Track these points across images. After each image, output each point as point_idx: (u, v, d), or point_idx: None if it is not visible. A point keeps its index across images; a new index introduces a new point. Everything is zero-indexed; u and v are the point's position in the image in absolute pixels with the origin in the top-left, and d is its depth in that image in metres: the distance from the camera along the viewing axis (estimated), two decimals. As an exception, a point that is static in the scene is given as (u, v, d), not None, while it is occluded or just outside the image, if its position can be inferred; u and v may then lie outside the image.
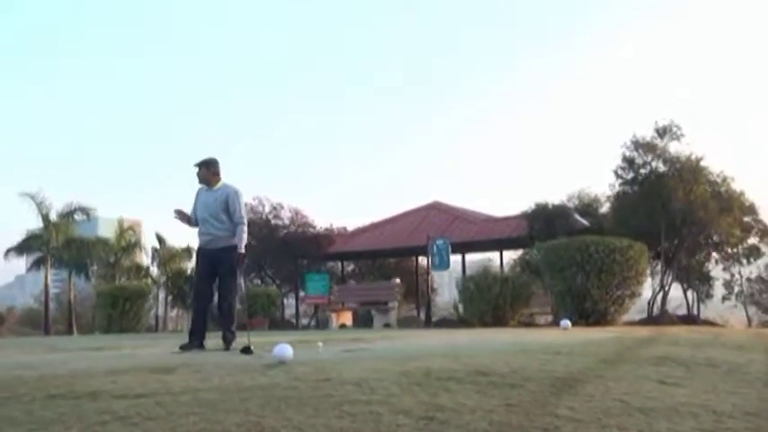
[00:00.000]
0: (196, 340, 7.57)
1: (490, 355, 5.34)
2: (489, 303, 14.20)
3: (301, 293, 22.95)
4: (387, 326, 16.32)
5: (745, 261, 20.07)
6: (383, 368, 4.57)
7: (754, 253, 19.91)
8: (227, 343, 7.51)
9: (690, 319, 18.35)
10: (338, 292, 19.86)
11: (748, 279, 20.68)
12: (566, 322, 10.78)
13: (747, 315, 20.60)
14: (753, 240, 19.73)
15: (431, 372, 4.29)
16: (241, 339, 7.42)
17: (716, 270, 20.43)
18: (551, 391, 3.79)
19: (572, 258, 13.36)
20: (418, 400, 3.52)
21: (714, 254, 19.82)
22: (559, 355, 5.32)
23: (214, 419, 3.17)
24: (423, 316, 19.96)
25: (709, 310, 20.85)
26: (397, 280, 19.29)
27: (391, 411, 3.26)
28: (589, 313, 13.30)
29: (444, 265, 17.22)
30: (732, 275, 20.32)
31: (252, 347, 6.76)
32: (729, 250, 19.74)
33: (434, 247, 16.98)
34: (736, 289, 20.31)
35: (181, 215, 7.89)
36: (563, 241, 14.20)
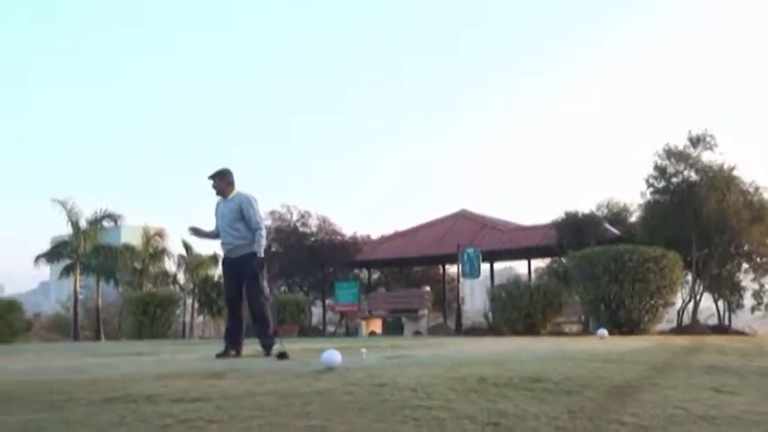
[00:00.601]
0: (232, 348, 7.65)
1: (537, 363, 5.33)
2: (521, 312, 14.16)
3: (329, 301, 23.01)
4: (417, 333, 16.32)
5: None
6: (435, 374, 4.58)
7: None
8: (267, 348, 7.59)
9: (721, 329, 18.15)
10: (368, 299, 19.88)
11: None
12: (602, 331, 10.71)
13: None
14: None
15: (485, 378, 4.29)
16: (275, 345, 7.51)
17: (746, 280, 20.23)
18: (610, 399, 3.78)
19: (606, 267, 13.29)
20: (479, 406, 3.52)
21: (744, 264, 19.61)
22: (609, 363, 5.30)
23: (278, 423, 3.19)
24: (451, 324, 19.92)
25: (738, 320, 20.62)
26: (427, 288, 19.27)
27: (454, 417, 3.26)
28: (622, 322, 13.21)
29: (475, 273, 17.19)
30: (761, 285, 20.09)
31: (287, 353, 6.87)
32: (759, 260, 19.52)
33: (465, 255, 16.96)
34: (766, 299, 20.07)
35: (196, 232, 8.16)
36: (596, 250, 14.13)
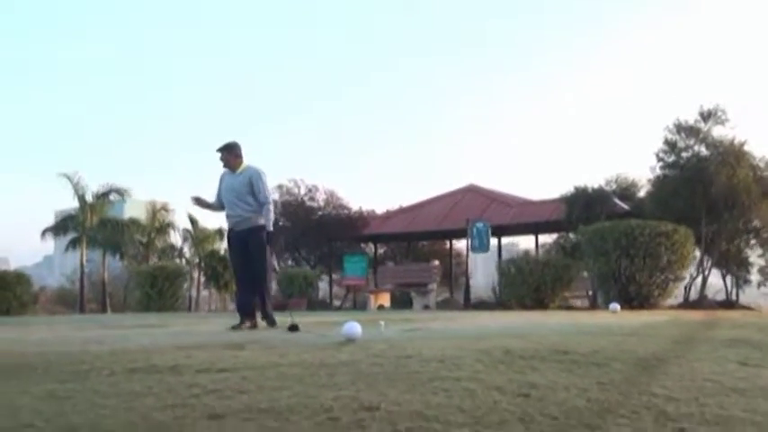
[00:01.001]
0: (248, 320, 7.72)
1: (559, 336, 5.30)
2: (530, 286, 14.14)
3: (335, 276, 23.03)
4: (426, 307, 16.34)
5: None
6: (459, 346, 4.56)
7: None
8: (270, 320, 7.75)
9: (728, 305, 18.13)
10: (377, 273, 19.90)
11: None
12: (615, 305, 10.67)
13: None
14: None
15: (510, 350, 4.26)
16: (283, 318, 7.57)
17: (752, 256, 20.19)
18: (638, 371, 3.75)
19: (617, 242, 13.25)
20: (508, 377, 3.49)
21: (753, 240, 19.54)
22: (631, 336, 5.28)
23: (307, 394, 3.16)
24: (459, 298, 19.92)
25: (744, 296, 20.59)
26: (436, 262, 19.27)
27: (484, 388, 3.23)
28: (633, 297, 13.20)
29: (484, 247, 17.16)
30: (752, 263, 20.05)
31: (298, 325, 6.96)
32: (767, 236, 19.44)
33: (474, 230, 16.92)
34: None
35: (199, 202, 8.16)
36: (607, 225, 14.08)
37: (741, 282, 19.99)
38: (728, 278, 19.76)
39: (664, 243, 13.29)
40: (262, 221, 7.77)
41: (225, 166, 7.90)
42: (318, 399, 3.07)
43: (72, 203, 31.25)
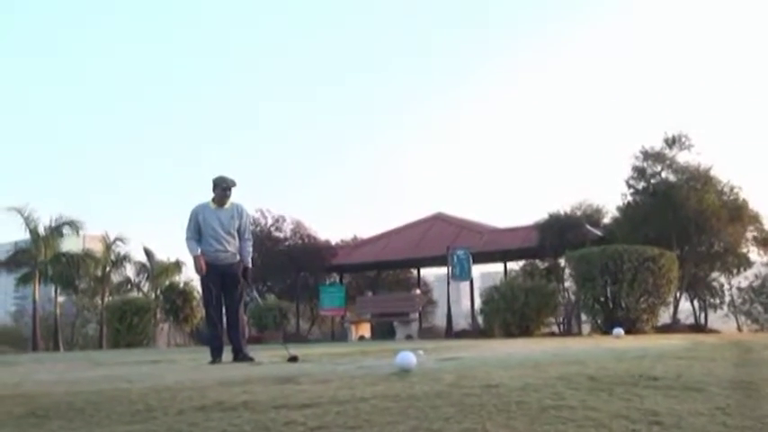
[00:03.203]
0: (220, 355, 7.71)
1: (616, 362, 5.18)
2: (515, 314, 14.09)
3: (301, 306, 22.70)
4: (409, 337, 16.14)
5: (735, 271, 20.16)
6: (531, 375, 4.40)
7: (744, 262, 19.99)
8: (239, 355, 7.67)
9: (698, 329, 18.39)
10: (356, 303, 19.63)
11: (738, 288, 20.77)
12: (619, 330, 10.67)
13: (738, 325, 20.69)
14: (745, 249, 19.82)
15: (593, 377, 4.13)
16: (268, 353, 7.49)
17: (718, 280, 20.55)
18: (743, 396, 3.65)
19: (604, 267, 13.32)
20: (622, 405, 3.35)
21: (719, 263, 19.90)
22: (693, 360, 5.19)
23: (431, 429, 2.96)
24: (438, 327, 19.76)
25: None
26: (418, 291, 19.10)
27: (611, 417, 3.08)
28: (621, 321, 13.25)
29: (465, 275, 17.09)
30: (721, 285, 20.44)
31: (297, 356, 7.19)
32: (731, 260, 19.82)
33: (455, 258, 16.84)
34: (728, 298, 20.41)
35: (197, 259, 7.92)
36: (595, 250, 14.17)
37: (708, 306, 20.31)
38: (696, 302, 20.07)
39: (651, 267, 13.42)
40: (244, 257, 7.90)
41: (220, 199, 7.86)
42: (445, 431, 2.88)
43: (23, 236, 30.26)
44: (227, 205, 7.86)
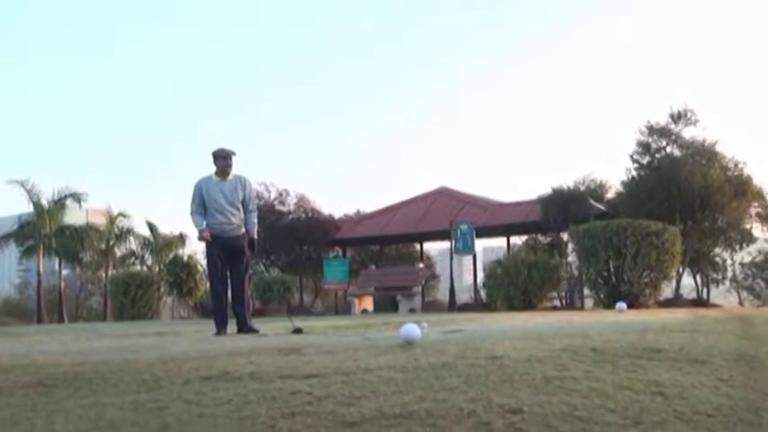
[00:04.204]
0: (224, 327, 7.72)
1: (619, 335, 5.20)
2: (518, 288, 14.14)
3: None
4: (412, 311, 16.20)
5: (738, 246, 20.22)
6: (538, 347, 4.41)
7: (747, 238, 20.03)
8: (243, 327, 7.74)
9: (700, 303, 18.45)
10: (360, 277, 19.71)
11: (741, 264, 20.83)
12: (622, 304, 10.69)
13: (740, 300, 20.76)
14: (749, 225, 19.87)
15: (596, 349, 4.14)
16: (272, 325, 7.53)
17: (721, 255, 20.61)
18: (744, 368, 3.66)
19: (608, 241, 13.34)
20: (626, 376, 3.36)
21: (722, 238, 19.92)
22: (696, 333, 5.20)
23: (435, 398, 2.97)
24: (425, 301, 19.79)
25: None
26: (421, 265, 19.16)
27: (615, 388, 3.09)
28: (622, 296, 13.27)
29: (468, 249, 17.14)
30: (724, 260, 20.51)
31: (302, 329, 7.26)
32: (733, 235, 19.85)
33: (458, 232, 16.87)
34: (730, 274, 20.48)
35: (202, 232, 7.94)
36: (599, 225, 14.17)
37: (710, 281, 20.38)
38: (698, 277, 20.13)
39: (654, 242, 13.44)
40: (245, 229, 7.90)
41: (222, 171, 7.85)
42: (451, 402, 2.89)
43: (18, 210, 30.40)
44: (230, 177, 7.85)
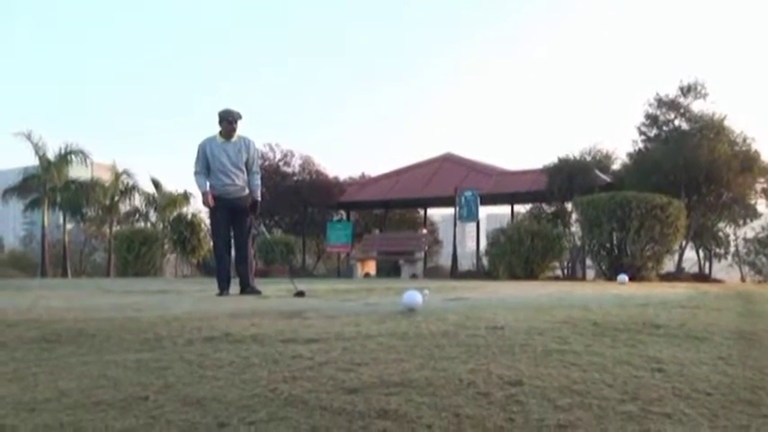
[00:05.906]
0: (227, 287, 7.78)
1: (619, 308, 5.22)
2: (521, 256, 14.14)
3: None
4: (414, 276, 16.24)
5: (742, 221, 20.15)
6: (536, 318, 4.44)
7: (751, 213, 19.96)
8: (246, 288, 7.83)
9: (702, 278, 18.45)
10: (363, 241, 19.74)
11: (744, 239, 20.79)
12: (623, 277, 10.71)
13: (742, 275, 20.76)
14: (754, 201, 19.76)
15: (597, 323, 4.16)
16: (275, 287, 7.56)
17: (725, 230, 20.56)
18: (746, 346, 3.67)
19: (612, 213, 13.31)
20: (625, 351, 3.38)
21: (726, 213, 19.85)
22: (697, 309, 5.22)
23: (435, 367, 3.00)
24: (427, 267, 19.84)
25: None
26: (425, 230, 19.15)
27: (614, 363, 3.11)
28: (626, 268, 13.27)
29: (472, 216, 17.11)
30: (727, 235, 20.46)
31: (304, 292, 7.32)
32: (738, 210, 19.77)
33: (462, 198, 16.83)
34: (732, 249, 20.45)
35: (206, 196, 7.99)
36: (603, 196, 14.13)
37: (713, 255, 20.37)
38: (701, 251, 20.11)
39: (658, 215, 13.41)
40: (254, 190, 7.97)
41: (227, 133, 7.86)
42: (451, 372, 2.91)
43: (24, 163, 30.37)
44: (234, 139, 7.87)
